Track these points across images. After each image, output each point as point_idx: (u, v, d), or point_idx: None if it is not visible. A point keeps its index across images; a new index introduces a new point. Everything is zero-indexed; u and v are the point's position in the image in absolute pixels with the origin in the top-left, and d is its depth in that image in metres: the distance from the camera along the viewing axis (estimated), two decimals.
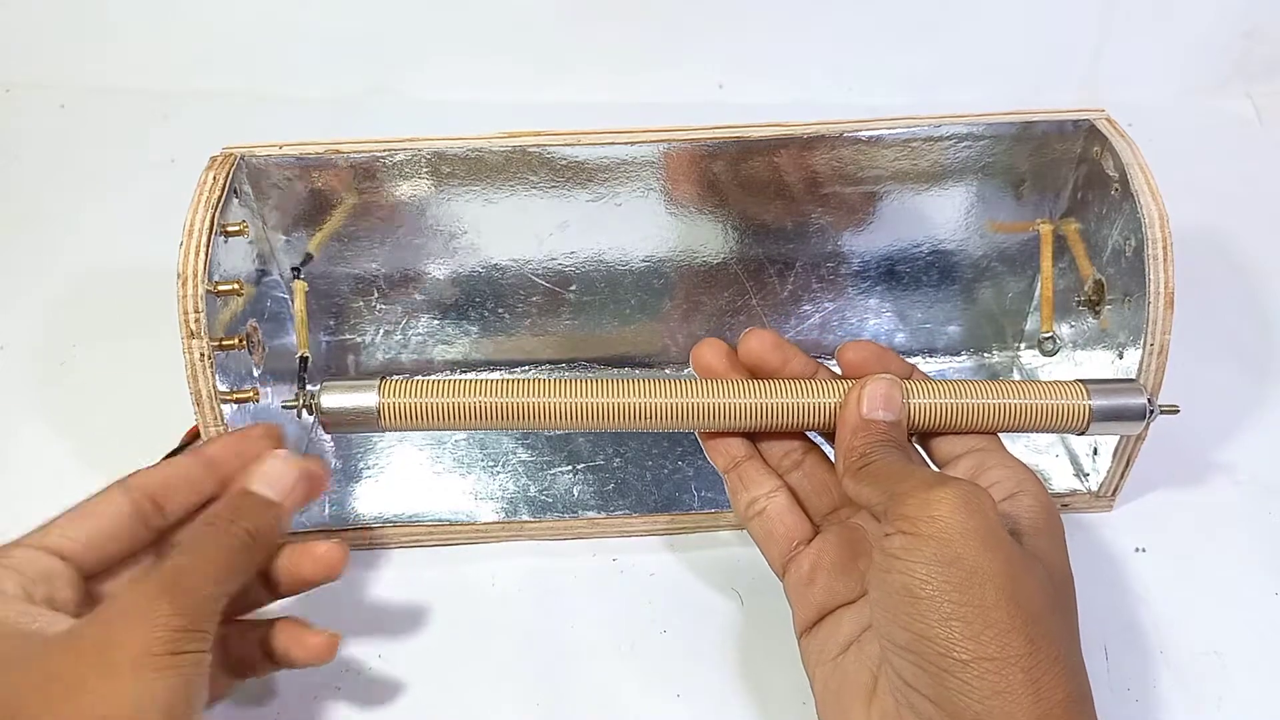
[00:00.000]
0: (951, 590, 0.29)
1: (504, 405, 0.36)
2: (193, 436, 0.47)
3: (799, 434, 0.39)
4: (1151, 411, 0.38)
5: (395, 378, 0.37)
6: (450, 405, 0.36)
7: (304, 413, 0.38)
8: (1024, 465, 0.35)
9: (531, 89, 0.71)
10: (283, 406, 0.39)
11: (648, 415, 0.37)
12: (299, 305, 0.45)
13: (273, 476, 0.35)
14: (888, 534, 0.31)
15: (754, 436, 0.39)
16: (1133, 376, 0.40)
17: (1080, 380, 0.38)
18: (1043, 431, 0.39)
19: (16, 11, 0.71)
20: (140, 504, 0.34)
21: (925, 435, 0.38)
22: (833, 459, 0.37)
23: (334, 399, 0.37)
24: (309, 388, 0.39)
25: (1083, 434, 0.39)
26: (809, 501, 0.38)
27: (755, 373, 0.39)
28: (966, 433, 0.37)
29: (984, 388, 0.37)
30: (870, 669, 0.32)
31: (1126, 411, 0.38)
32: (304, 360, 0.44)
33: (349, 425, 0.37)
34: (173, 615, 0.30)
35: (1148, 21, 0.71)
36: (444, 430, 0.37)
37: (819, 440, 0.39)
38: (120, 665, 0.29)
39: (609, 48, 0.72)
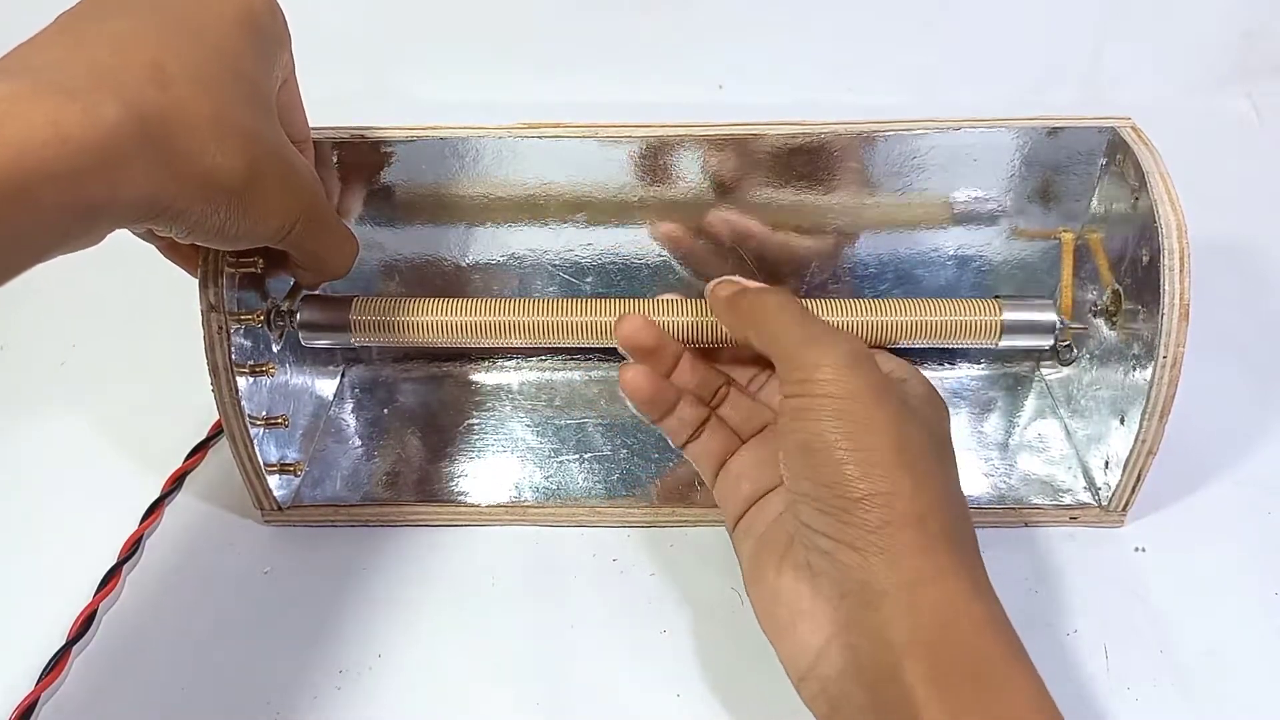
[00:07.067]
0: (843, 439, 0.32)
1: (448, 323, 0.43)
2: (219, 428, 0.48)
3: (723, 375, 0.42)
4: (1061, 325, 0.43)
5: (367, 296, 0.44)
6: (407, 322, 0.43)
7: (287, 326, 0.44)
8: (908, 363, 0.39)
9: (531, 89, 0.71)
10: (270, 313, 0.42)
11: (562, 332, 0.43)
12: None
13: None
14: (786, 396, 0.34)
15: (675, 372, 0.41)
16: (1044, 296, 0.45)
17: (995, 297, 0.43)
18: (959, 344, 0.44)
19: (17, 12, 0.71)
20: None
21: None
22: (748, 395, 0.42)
23: (312, 312, 0.44)
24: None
25: (996, 345, 0.43)
26: (740, 428, 0.41)
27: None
28: (890, 346, 0.42)
29: (903, 305, 0.42)
30: (788, 533, 0.35)
31: (1037, 326, 0.43)
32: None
33: (325, 333, 0.44)
34: None
35: (1148, 21, 0.71)
36: (402, 344, 0.45)
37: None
38: None
39: (609, 48, 0.72)
